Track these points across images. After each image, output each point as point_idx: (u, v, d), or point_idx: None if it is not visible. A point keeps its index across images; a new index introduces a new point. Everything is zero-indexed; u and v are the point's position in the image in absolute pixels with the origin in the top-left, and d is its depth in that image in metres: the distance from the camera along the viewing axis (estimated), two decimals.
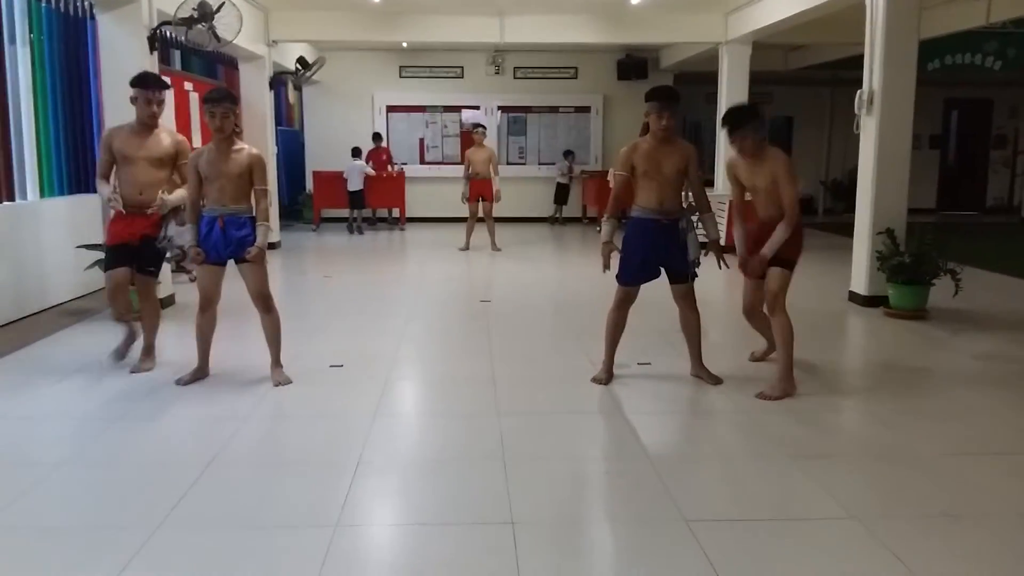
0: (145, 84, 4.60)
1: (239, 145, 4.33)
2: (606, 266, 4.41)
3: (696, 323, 4.55)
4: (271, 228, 4.35)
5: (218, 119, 4.19)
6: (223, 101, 4.22)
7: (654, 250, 4.38)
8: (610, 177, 4.37)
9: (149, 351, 4.85)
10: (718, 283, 8.11)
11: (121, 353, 4.88)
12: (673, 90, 4.38)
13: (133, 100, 4.59)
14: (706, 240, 4.49)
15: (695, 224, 4.46)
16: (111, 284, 4.63)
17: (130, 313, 4.82)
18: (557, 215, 13.80)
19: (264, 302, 4.45)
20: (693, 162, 4.35)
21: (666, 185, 4.32)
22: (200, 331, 4.52)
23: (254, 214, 4.37)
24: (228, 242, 4.31)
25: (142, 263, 4.65)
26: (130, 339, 4.90)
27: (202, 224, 4.32)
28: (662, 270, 4.46)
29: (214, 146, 4.28)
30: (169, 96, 7.99)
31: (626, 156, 4.36)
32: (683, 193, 4.45)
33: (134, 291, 4.80)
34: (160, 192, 4.55)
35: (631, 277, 4.44)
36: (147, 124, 4.59)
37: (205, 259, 4.33)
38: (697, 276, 4.48)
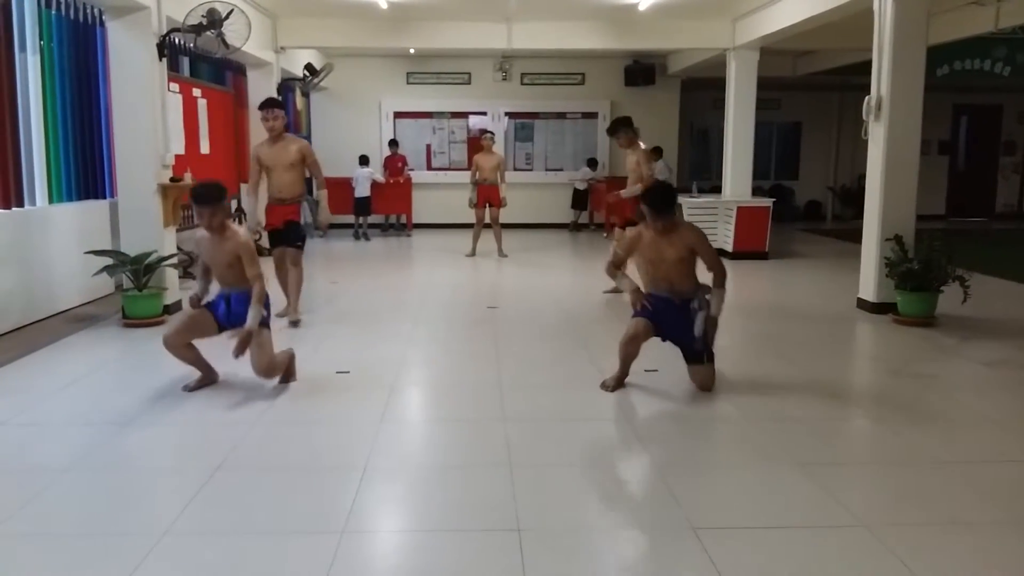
0: (261, 106, 6.09)
1: (230, 231, 4.37)
2: (638, 309, 4.44)
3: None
4: (264, 311, 4.34)
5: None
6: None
7: (667, 320, 4.44)
8: (611, 253, 4.52)
9: (295, 308, 6.22)
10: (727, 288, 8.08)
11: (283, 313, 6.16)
12: (669, 194, 4.43)
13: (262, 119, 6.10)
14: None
15: (708, 303, 4.46)
16: (275, 260, 6.32)
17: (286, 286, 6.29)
18: (577, 221, 13.81)
19: (267, 376, 4.42)
20: (701, 243, 4.40)
21: (672, 269, 4.41)
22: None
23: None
24: (231, 315, 4.43)
25: (289, 241, 6.20)
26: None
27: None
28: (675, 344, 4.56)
29: (207, 234, 4.40)
30: (176, 102, 8.05)
31: (630, 244, 4.48)
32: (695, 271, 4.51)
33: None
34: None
35: (646, 312, 4.45)
36: (276, 136, 6.06)
37: (197, 304, 4.47)
38: (714, 356, 4.48)
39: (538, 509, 3.03)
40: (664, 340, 4.57)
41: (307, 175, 6.47)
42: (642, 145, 7.48)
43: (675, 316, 4.44)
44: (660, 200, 4.36)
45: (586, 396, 4.46)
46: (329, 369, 4.94)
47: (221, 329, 4.48)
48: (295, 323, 6.08)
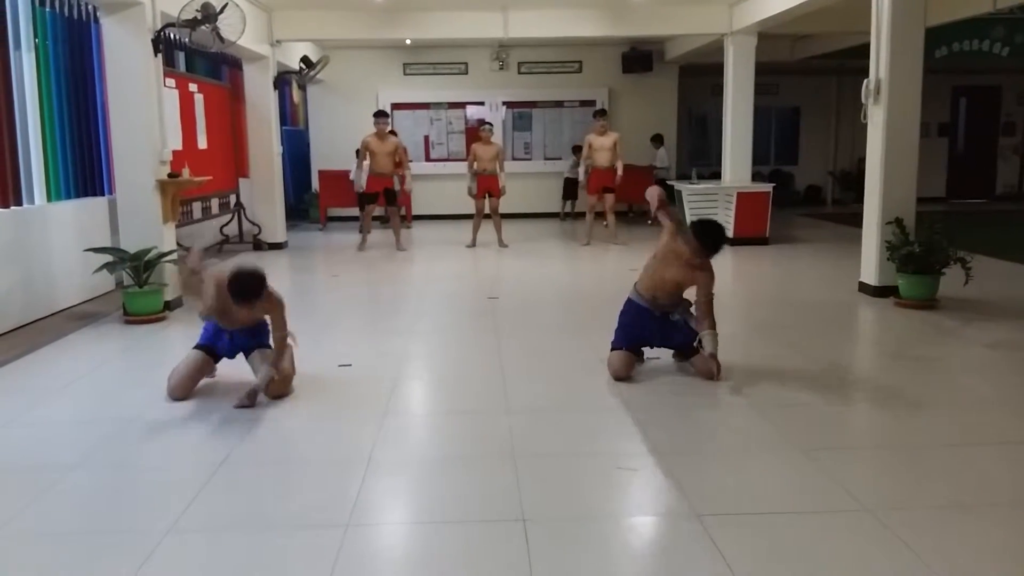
0: (377, 116, 9.84)
1: (270, 298, 4.17)
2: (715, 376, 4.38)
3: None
4: (275, 370, 4.20)
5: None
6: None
7: (646, 332, 4.53)
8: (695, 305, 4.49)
9: (400, 244, 10.05)
10: (728, 274, 8.09)
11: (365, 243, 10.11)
12: (722, 239, 4.35)
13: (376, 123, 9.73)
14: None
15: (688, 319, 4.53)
16: (365, 213, 10.14)
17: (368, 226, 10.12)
18: (567, 210, 13.72)
19: (278, 397, 4.28)
20: (707, 283, 4.38)
21: (666, 288, 4.44)
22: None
23: (271, 333, 4.34)
24: (235, 346, 4.38)
25: (387, 200, 9.88)
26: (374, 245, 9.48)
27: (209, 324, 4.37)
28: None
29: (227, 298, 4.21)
30: (173, 97, 8.03)
31: (683, 255, 4.36)
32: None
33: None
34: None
35: (623, 343, 4.51)
36: (382, 134, 9.70)
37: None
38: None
39: (543, 499, 3.04)
40: (653, 347, 4.65)
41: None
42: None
43: (655, 324, 4.51)
44: (713, 243, 4.31)
45: (588, 385, 4.46)
46: (331, 363, 4.93)
47: (218, 359, 4.45)
48: (403, 249, 9.89)
